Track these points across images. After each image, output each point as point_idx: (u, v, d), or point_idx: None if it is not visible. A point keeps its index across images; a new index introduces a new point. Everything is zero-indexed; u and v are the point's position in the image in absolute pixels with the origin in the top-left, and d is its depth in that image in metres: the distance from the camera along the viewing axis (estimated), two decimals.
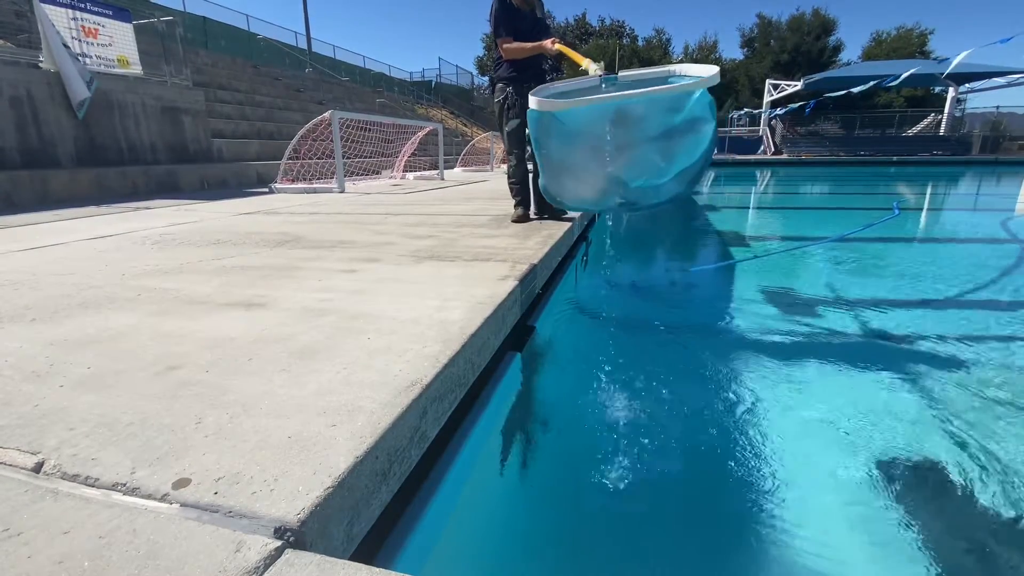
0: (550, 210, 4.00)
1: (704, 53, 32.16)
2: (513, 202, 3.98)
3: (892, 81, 12.78)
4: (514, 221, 3.85)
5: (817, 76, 23.18)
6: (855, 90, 14.80)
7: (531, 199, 3.98)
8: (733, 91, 31.39)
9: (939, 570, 1.19)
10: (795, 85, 23.26)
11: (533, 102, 1.94)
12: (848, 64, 29.43)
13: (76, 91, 6.19)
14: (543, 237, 3.20)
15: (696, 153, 2.03)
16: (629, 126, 1.98)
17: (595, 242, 5.01)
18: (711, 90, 1.93)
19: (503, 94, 3.65)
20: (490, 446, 1.70)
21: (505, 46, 3.52)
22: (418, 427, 1.20)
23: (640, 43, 34.64)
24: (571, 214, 4.05)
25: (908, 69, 14.24)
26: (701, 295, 3.57)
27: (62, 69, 6.10)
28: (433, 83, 33.16)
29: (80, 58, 6.50)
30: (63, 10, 6.46)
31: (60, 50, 6.04)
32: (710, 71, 1.95)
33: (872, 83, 14.59)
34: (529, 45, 3.46)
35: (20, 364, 1.39)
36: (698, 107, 1.90)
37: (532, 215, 3.99)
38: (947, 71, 13.54)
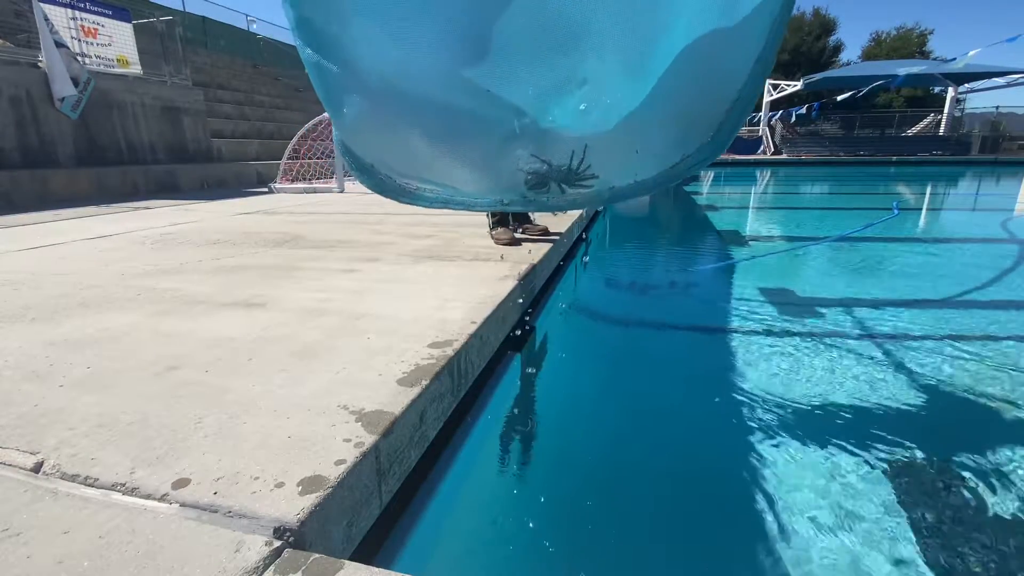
0: (528, 223, 3.23)
1: None
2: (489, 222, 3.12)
3: (898, 82, 12.73)
4: (505, 244, 2.94)
5: (817, 76, 23.18)
6: (861, 92, 14.72)
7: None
8: None
9: (934, 568, 1.19)
10: (795, 85, 23.25)
11: None
12: (848, 64, 29.44)
13: (59, 89, 6.18)
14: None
15: (728, 17, 0.74)
16: None
17: (594, 241, 5.02)
18: None
19: None
20: (490, 446, 1.70)
21: None
22: (418, 427, 1.20)
23: None
24: (558, 229, 3.30)
25: (909, 69, 14.23)
26: (700, 295, 3.57)
27: (48, 65, 6.10)
28: None
29: (79, 58, 6.50)
30: (62, 9, 6.45)
31: (50, 47, 6.04)
32: None
33: (876, 84, 14.54)
34: None
35: (20, 364, 1.39)
36: None
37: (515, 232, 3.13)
38: (956, 70, 13.50)
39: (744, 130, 25.31)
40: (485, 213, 3.11)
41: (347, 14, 0.83)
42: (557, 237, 3.22)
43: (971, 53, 9.68)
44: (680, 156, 0.92)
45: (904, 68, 14.43)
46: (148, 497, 0.86)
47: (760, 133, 24.09)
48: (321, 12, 0.83)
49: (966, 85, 22.88)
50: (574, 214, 3.97)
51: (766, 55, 0.81)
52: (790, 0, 0.78)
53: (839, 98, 15.05)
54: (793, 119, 20.41)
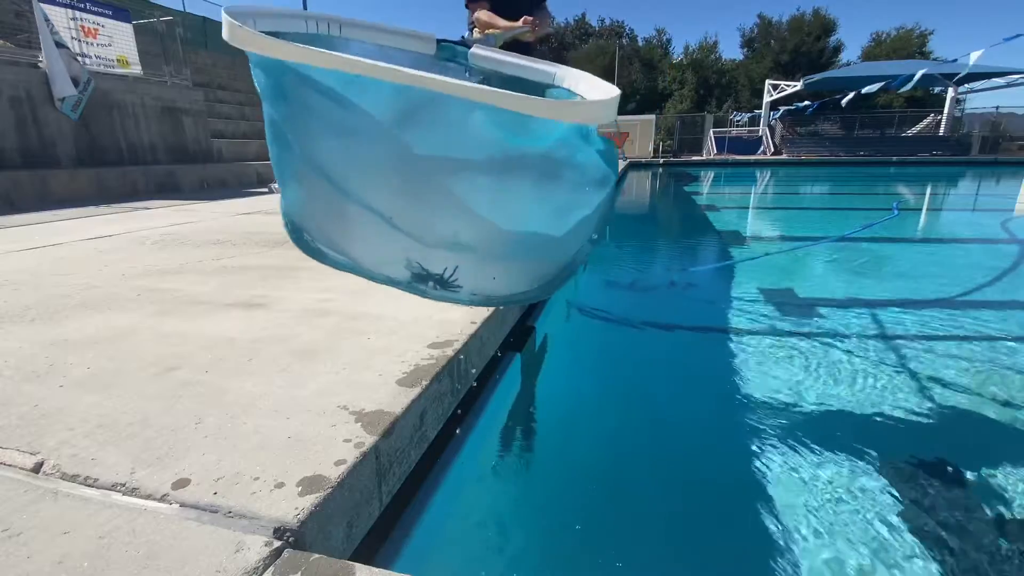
0: None
1: (704, 53, 32.14)
2: None
3: (902, 83, 12.72)
4: None
5: (817, 76, 23.17)
6: (864, 90, 14.72)
7: None
8: (733, 91, 31.40)
9: (934, 566, 1.19)
10: (795, 85, 23.24)
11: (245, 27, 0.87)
12: (848, 64, 29.42)
13: (59, 89, 6.18)
14: None
15: (559, 225, 1.20)
16: (429, 130, 1.04)
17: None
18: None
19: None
20: (490, 446, 1.70)
21: (478, 14, 2.67)
22: (418, 428, 1.20)
23: (640, 43, 34.63)
24: None
25: (909, 69, 14.22)
26: (700, 295, 3.57)
27: (48, 66, 6.10)
28: None
29: (79, 58, 6.50)
30: (62, 10, 6.45)
31: (50, 47, 6.04)
32: (602, 93, 1.02)
33: (878, 85, 14.54)
34: (503, 24, 2.61)
35: (20, 364, 1.39)
36: (576, 148, 1.04)
37: None
38: (963, 72, 13.45)
39: (744, 130, 25.34)
40: None
41: (311, 127, 1.12)
42: None
43: (974, 56, 9.64)
44: (522, 291, 1.37)
45: (905, 70, 14.43)
46: (148, 497, 0.86)
47: (760, 133, 24.09)
48: (275, 99, 1.09)
49: (966, 85, 22.88)
50: None
51: (580, 255, 1.31)
52: (598, 231, 1.25)
53: (844, 101, 15.14)
54: (792, 107, 20.67)
